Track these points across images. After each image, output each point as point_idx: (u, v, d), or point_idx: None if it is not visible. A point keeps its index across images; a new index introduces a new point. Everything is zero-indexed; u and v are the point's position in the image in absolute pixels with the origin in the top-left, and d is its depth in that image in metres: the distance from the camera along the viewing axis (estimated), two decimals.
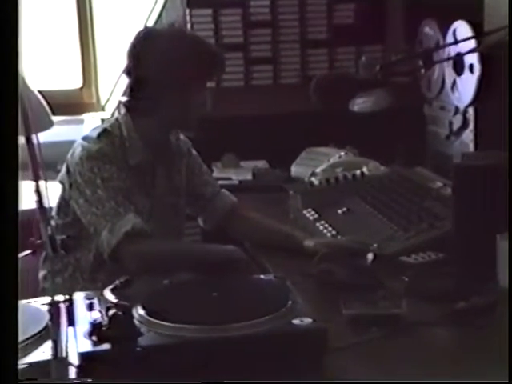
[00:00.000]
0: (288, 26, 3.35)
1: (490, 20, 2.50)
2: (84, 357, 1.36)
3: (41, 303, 1.58)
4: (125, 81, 2.28)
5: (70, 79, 3.77)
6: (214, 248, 2.14)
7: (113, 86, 3.55)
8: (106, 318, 1.43)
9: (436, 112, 2.90)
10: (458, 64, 2.67)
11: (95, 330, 1.41)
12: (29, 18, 3.42)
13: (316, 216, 2.41)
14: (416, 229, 2.11)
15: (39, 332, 1.45)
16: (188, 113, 2.17)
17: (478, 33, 2.50)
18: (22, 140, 1.27)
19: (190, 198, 2.34)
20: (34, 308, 1.56)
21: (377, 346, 1.56)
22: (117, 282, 1.62)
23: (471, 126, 2.65)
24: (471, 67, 2.59)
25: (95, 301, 1.56)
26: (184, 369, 1.38)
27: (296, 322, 1.46)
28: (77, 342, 1.40)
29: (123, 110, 2.22)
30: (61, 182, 2.17)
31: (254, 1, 3.31)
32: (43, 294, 2.12)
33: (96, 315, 1.47)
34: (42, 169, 1.32)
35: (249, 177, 3.10)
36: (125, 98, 2.21)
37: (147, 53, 2.13)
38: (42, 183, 1.32)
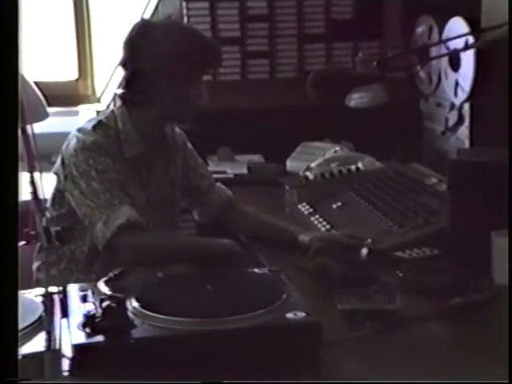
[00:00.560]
0: (285, 21, 3.34)
1: (487, 17, 2.50)
2: (77, 348, 1.36)
3: (35, 294, 1.58)
4: (121, 73, 2.28)
5: (65, 71, 3.76)
6: (208, 241, 2.14)
7: (108, 78, 3.54)
8: (99, 310, 1.42)
9: (432, 108, 2.90)
10: (455, 60, 2.67)
11: (89, 321, 1.41)
12: (25, 10, 3.41)
13: (311, 210, 2.41)
14: (411, 224, 2.11)
15: (33, 323, 1.45)
16: (184, 106, 2.16)
17: (475, 29, 2.50)
18: None
19: (185, 190, 2.34)
20: (27, 299, 1.55)
21: (371, 340, 1.56)
22: (111, 274, 1.61)
23: (467, 122, 2.66)
24: (467, 63, 2.59)
25: (89, 292, 1.55)
26: (177, 361, 1.38)
27: (290, 315, 1.46)
28: (70, 334, 1.40)
29: (119, 102, 2.22)
30: (56, 174, 2.17)
31: None
32: (37, 285, 2.11)
33: (90, 307, 1.47)
34: (37, 160, 1.32)
35: (244, 170, 3.10)
36: (120, 90, 2.21)
37: (143, 45, 2.12)
38: (36, 174, 1.31)
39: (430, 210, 2.14)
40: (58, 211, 2.18)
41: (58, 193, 2.17)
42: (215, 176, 2.50)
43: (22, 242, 2.20)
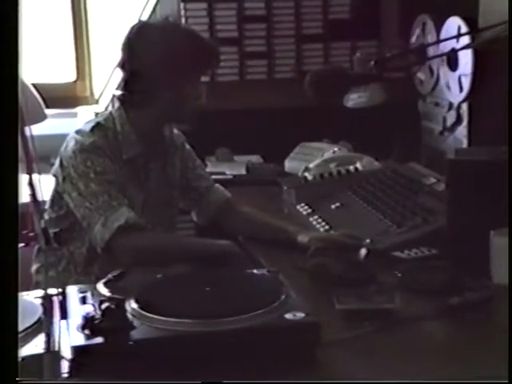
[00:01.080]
0: (283, 21, 3.35)
1: (484, 16, 2.50)
2: (77, 350, 1.36)
3: (34, 296, 1.58)
4: (119, 74, 2.28)
5: (63, 72, 3.76)
6: (207, 242, 2.14)
7: (107, 80, 3.54)
8: (98, 312, 1.42)
9: (430, 108, 2.90)
10: (452, 60, 2.67)
11: (88, 323, 1.41)
12: (23, 12, 3.40)
13: (310, 211, 2.41)
14: (409, 224, 2.11)
15: (32, 325, 1.45)
16: (182, 106, 2.16)
17: (473, 29, 2.50)
18: None
19: (184, 191, 2.34)
20: (26, 301, 1.55)
21: (369, 340, 1.56)
22: (110, 275, 1.61)
23: (465, 121, 2.66)
24: (465, 63, 2.59)
25: (88, 294, 1.55)
26: (176, 362, 1.38)
27: (289, 316, 1.46)
28: (70, 336, 1.40)
29: (117, 104, 2.22)
30: (54, 176, 2.17)
31: None
32: (36, 287, 2.12)
33: (89, 308, 1.47)
34: (36, 162, 1.32)
35: (243, 171, 3.10)
36: (119, 92, 2.21)
37: (141, 46, 2.12)
38: (35, 176, 1.31)
39: (428, 210, 2.14)
40: (57, 213, 2.18)
41: (57, 194, 2.17)
42: (214, 177, 2.50)
43: (21, 244, 2.21)
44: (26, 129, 1.29)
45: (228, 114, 3.20)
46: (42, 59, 3.65)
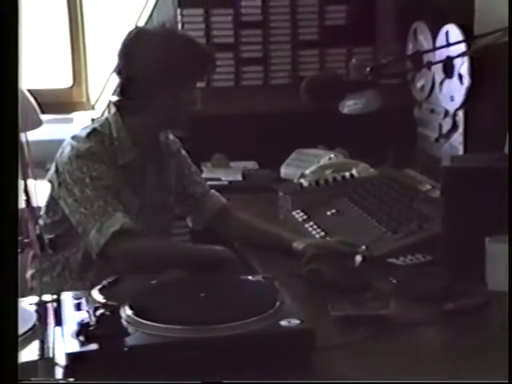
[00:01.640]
0: (279, 27, 3.35)
1: (480, 23, 2.51)
2: (71, 357, 1.36)
3: (28, 303, 1.58)
4: (115, 80, 2.28)
5: (60, 78, 3.76)
6: (202, 248, 2.14)
7: (103, 86, 3.54)
8: (93, 318, 1.42)
9: (426, 114, 2.91)
10: (448, 67, 2.68)
11: (83, 329, 1.40)
12: (23, 18, 3.40)
13: (305, 217, 2.41)
14: (405, 231, 2.11)
15: (26, 332, 1.45)
16: (178, 112, 2.16)
17: (468, 36, 2.50)
18: None
19: (179, 197, 2.34)
20: (21, 308, 1.55)
21: (365, 347, 1.56)
22: (104, 281, 1.61)
23: (461, 128, 2.66)
24: (461, 70, 2.59)
25: (83, 301, 1.55)
26: (171, 369, 1.38)
27: (284, 322, 1.46)
28: (64, 342, 1.40)
29: (113, 110, 2.22)
30: (50, 181, 2.16)
31: (245, 1, 3.31)
32: (31, 293, 2.12)
33: (84, 315, 1.47)
34: (31, 167, 1.32)
35: (238, 177, 3.10)
36: (115, 98, 2.21)
37: (138, 52, 2.13)
38: (30, 182, 1.31)
39: (424, 217, 2.14)
40: (52, 218, 2.18)
41: (52, 200, 2.17)
42: (209, 183, 2.50)
43: None
44: (22, 135, 1.30)
45: (224, 120, 3.20)
46: (38, 65, 3.64)
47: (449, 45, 2.55)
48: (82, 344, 1.38)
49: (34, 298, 1.56)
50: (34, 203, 1.33)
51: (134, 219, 2.08)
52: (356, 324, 1.62)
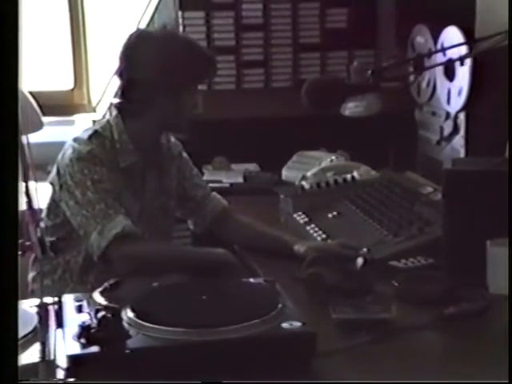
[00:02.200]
0: (280, 30, 3.35)
1: (481, 26, 2.51)
2: (72, 359, 1.36)
3: (29, 305, 1.58)
4: (116, 82, 2.28)
5: (61, 80, 3.76)
6: (204, 251, 2.14)
7: (104, 88, 3.54)
8: (94, 321, 1.42)
9: (427, 117, 2.91)
10: (449, 70, 2.68)
11: (84, 332, 1.40)
12: (22, 15, 3.40)
13: (306, 220, 2.41)
14: (406, 234, 2.11)
15: (27, 334, 1.45)
16: (179, 115, 2.16)
17: (470, 39, 2.50)
18: None
19: (180, 200, 2.34)
20: (22, 310, 1.55)
21: (366, 350, 1.56)
22: (106, 284, 1.61)
23: (462, 131, 2.66)
24: (462, 73, 2.59)
25: (84, 303, 1.55)
26: (173, 371, 1.38)
27: (285, 325, 1.46)
28: (65, 345, 1.40)
29: (114, 112, 2.22)
30: (51, 184, 2.16)
31: (247, 4, 3.32)
32: (32, 295, 2.12)
33: (85, 317, 1.47)
34: (32, 170, 1.31)
35: (240, 180, 3.10)
36: (116, 100, 2.21)
37: (139, 55, 2.13)
38: (31, 184, 1.31)
39: (425, 220, 2.14)
40: (53, 221, 2.18)
41: (53, 203, 2.17)
42: (211, 185, 2.50)
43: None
44: (23, 137, 1.29)
45: (225, 123, 3.20)
46: (39, 67, 3.65)
47: (450, 48, 2.55)
48: (84, 346, 1.38)
49: (36, 301, 1.56)
50: (35, 206, 1.33)
51: (135, 222, 2.08)
52: (357, 327, 1.62)
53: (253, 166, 3.23)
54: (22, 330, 1.44)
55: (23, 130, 1.29)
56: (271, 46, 3.35)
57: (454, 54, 2.48)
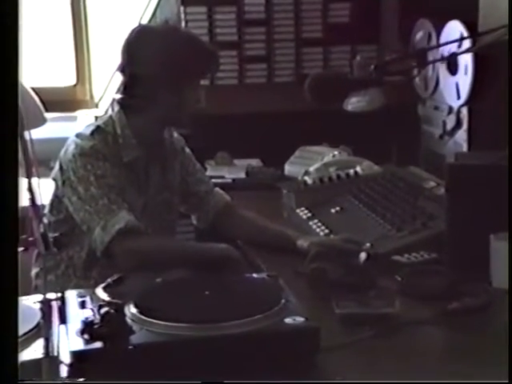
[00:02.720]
0: (283, 25, 3.35)
1: (484, 20, 2.50)
2: (76, 355, 1.36)
3: (33, 301, 1.58)
4: (119, 78, 2.28)
5: (63, 76, 3.77)
6: (207, 246, 2.14)
7: (107, 84, 3.54)
8: (98, 316, 1.42)
9: (430, 112, 2.90)
10: (452, 64, 2.67)
11: (87, 328, 1.40)
12: (23, 15, 3.40)
13: (309, 215, 2.40)
14: (409, 228, 2.11)
15: (31, 330, 1.45)
16: (182, 110, 2.16)
17: (473, 33, 2.50)
18: None
19: (183, 196, 2.34)
20: (25, 306, 1.55)
21: (369, 345, 1.56)
22: (109, 280, 1.61)
23: (465, 125, 2.66)
24: (465, 67, 2.59)
25: (87, 299, 1.55)
26: (176, 367, 1.38)
27: (288, 320, 1.46)
28: (69, 341, 1.40)
29: (117, 108, 2.21)
30: (54, 179, 2.16)
31: None
32: (36, 291, 2.12)
33: (88, 313, 1.47)
34: (35, 166, 1.31)
35: (242, 175, 3.09)
36: (119, 96, 2.21)
37: (141, 50, 2.12)
38: (34, 180, 1.31)
39: (428, 214, 2.14)
40: (56, 217, 2.18)
41: (56, 198, 2.17)
42: (213, 181, 2.50)
43: (21, 249, 2.20)
44: (26, 133, 1.29)
45: (228, 118, 3.20)
46: (41, 63, 3.65)
47: (453, 42, 2.54)
48: (87, 342, 1.38)
49: (39, 297, 1.56)
50: (39, 201, 1.32)
51: (138, 217, 2.08)
52: (361, 322, 1.62)
53: (255, 161, 3.23)
54: (26, 326, 1.45)
55: (26, 126, 1.29)
56: (274, 40, 3.35)
57: (456, 47, 2.47)
